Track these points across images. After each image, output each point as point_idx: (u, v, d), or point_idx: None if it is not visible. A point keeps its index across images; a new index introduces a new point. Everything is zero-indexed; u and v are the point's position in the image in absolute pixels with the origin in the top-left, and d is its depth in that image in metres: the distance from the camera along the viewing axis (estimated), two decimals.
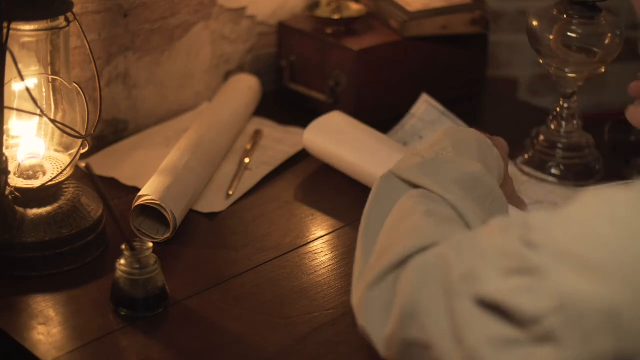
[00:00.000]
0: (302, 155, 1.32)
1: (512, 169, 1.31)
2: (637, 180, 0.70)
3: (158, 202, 1.10)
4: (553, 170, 1.29)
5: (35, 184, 1.07)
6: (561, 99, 1.29)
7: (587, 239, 0.67)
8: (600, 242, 0.66)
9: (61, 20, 1.05)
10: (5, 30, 0.97)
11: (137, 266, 0.98)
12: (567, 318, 0.65)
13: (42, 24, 1.04)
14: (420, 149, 1.00)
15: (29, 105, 1.03)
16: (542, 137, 1.30)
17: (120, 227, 0.97)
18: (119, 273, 0.99)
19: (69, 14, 1.05)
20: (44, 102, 1.07)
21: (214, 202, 1.20)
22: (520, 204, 1.11)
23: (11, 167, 1.03)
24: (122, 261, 0.98)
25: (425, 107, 1.38)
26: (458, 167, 0.94)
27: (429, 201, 0.89)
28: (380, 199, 0.94)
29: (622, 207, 0.67)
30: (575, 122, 1.29)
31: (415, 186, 0.93)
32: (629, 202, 0.67)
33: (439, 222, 0.86)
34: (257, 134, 1.36)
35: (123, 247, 0.98)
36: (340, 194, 1.25)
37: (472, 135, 1.02)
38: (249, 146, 1.33)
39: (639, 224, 0.66)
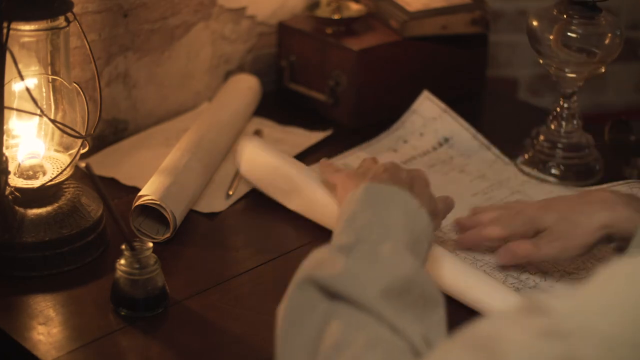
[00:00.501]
0: (302, 156, 1.32)
1: (512, 169, 1.31)
2: None
3: (158, 202, 1.10)
4: (553, 170, 1.29)
5: (35, 184, 1.07)
6: (561, 99, 1.29)
7: (628, 316, 0.59)
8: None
9: (61, 20, 1.05)
10: (5, 30, 0.97)
11: (137, 266, 0.98)
12: None
13: (42, 24, 1.04)
14: (339, 226, 0.88)
15: (29, 105, 1.03)
16: (542, 137, 1.30)
17: (120, 227, 0.97)
18: (119, 273, 0.99)
19: (69, 14, 1.05)
20: (44, 102, 1.07)
21: (214, 202, 1.20)
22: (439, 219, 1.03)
23: (11, 167, 1.03)
24: (122, 261, 0.98)
25: (426, 103, 1.38)
26: (387, 271, 0.80)
27: (363, 328, 0.76)
28: (296, 318, 0.80)
29: None
30: (575, 122, 1.29)
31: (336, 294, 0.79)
32: None
33: (384, 353, 0.73)
34: (257, 134, 1.36)
35: (123, 247, 0.98)
36: None
37: (397, 200, 0.91)
38: None
39: None
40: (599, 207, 1.01)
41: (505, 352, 0.59)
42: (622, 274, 0.62)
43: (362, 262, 0.81)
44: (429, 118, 1.38)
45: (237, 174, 1.26)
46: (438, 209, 1.01)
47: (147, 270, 0.98)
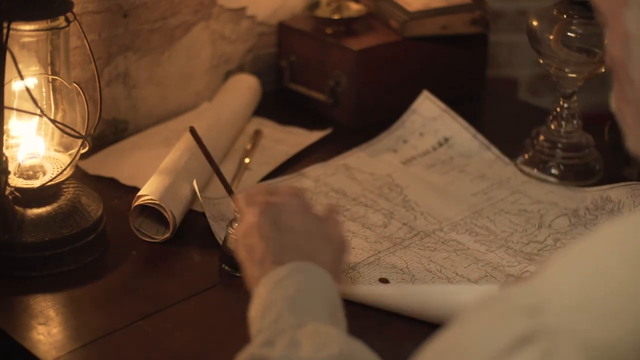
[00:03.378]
0: (302, 155, 1.32)
1: (512, 169, 1.31)
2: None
3: (157, 202, 1.10)
4: (553, 170, 1.29)
5: (35, 184, 1.07)
6: (561, 99, 1.29)
7: (598, 283, 0.58)
8: (613, 281, 0.58)
9: (61, 20, 1.05)
10: (5, 30, 0.97)
11: None
12: None
13: (42, 24, 1.04)
14: (262, 325, 0.83)
15: (29, 105, 1.03)
16: (542, 137, 1.30)
17: (224, 182, 1.06)
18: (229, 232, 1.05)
19: (69, 14, 1.05)
20: (44, 102, 1.07)
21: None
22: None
23: (11, 167, 1.03)
24: (236, 224, 1.03)
25: (426, 103, 1.38)
26: (318, 353, 0.76)
27: None
28: None
29: (627, 238, 0.60)
30: (575, 122, 1.29)
31: None
32: (635, 231, 0.59)
33: None
34: (257, 134, 1.36)
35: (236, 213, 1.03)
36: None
37: (315, 281, 0.85)
38: (249, 146, 1.33)
39: None
40: None
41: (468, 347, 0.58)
42: (596, 235, 0.61)
43: (292, 349, 0.77)
44: (429, 118, 1.38)
45: (237, 174, 1.26)
46: (340, 243, 0.92)
47: None
